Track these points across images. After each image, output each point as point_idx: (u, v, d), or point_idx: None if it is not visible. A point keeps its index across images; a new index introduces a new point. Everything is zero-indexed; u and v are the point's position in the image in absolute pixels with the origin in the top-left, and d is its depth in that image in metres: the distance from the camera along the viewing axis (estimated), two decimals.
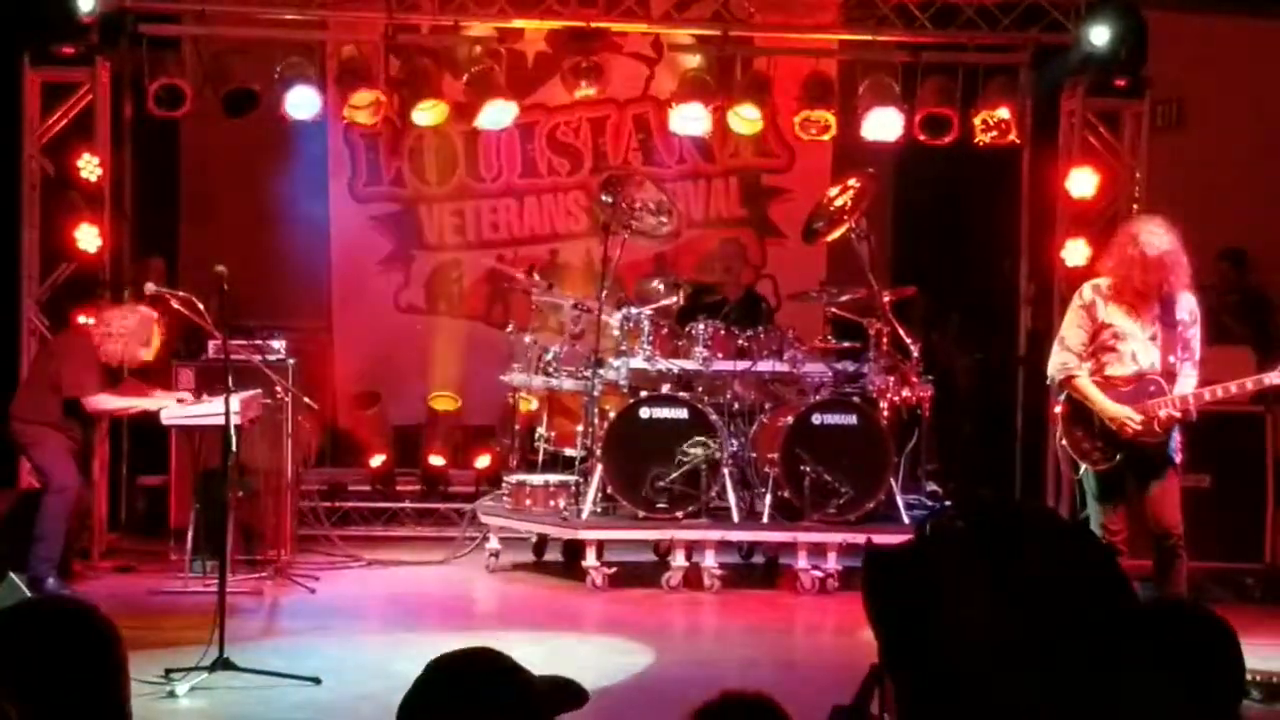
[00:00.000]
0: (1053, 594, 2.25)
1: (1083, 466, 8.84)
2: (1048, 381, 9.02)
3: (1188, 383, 8.56)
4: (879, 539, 2.44)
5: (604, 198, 11.68)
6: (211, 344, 10.52)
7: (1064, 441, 8.91)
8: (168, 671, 7.93)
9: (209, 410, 9.85)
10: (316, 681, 8.10)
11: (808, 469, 10.97)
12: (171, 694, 7.78)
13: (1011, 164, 12.95)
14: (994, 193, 13.23)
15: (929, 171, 13.39)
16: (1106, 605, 2.35)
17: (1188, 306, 8.62)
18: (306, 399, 11.44)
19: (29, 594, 8.36)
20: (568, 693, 3.03)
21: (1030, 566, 2.23)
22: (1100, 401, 8.55)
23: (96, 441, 11.34)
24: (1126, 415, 8.47)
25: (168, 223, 13.64)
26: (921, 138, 12.59)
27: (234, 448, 8.65)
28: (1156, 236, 8.49)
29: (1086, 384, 8.60)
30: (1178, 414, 8.50)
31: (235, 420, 9.12)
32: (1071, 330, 8.72)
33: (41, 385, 10.73)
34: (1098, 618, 2.28)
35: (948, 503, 11.27)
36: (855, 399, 11.38)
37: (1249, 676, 8.29)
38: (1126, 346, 8.58)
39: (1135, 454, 8.58)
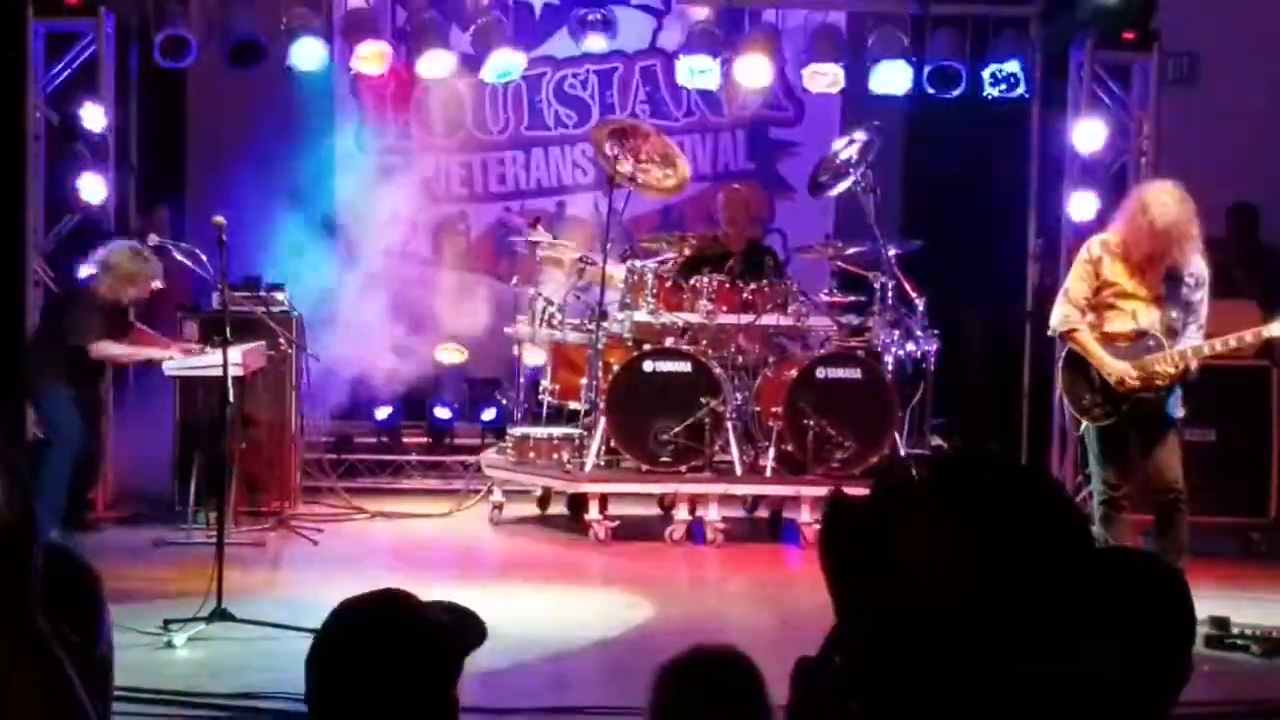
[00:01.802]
0: (1011, 544, 2.22)
1: (1084, 422, 8.82)
2: (1049, 333, 8.98)
3: (1190, 342, 8.52)
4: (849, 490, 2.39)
5: (608, 150, 11.64)
6: (214, 295, 10.51)
7: (1065, 396, 8.89)
8: (166, 622, 7.94)
9: (210, 361, 9.84)
10: (315, 633, 8.07)
11: (811, 422, 10.95)
12: (169, 644, 7.79)
13: (1021, 118, 12.87)
14: (1003, 147, 13.15)
15: (938, 125, 13.31)
16: (1066, 554, 2.32)
17: (1194, 269, 8.55)
18: (311, 351, 11.46)
19: None
20: (472, 627, 3.04)
21: (989, 516, 2.20)
22: (1099, 356, 8.51)
23: (104, 394, 11.36)
24: (1124, 371, 8.44)
25: (174, 174, 13.63)
26: (930, 91, 12.52)
27: (231, 399, 8.62)
28: (1167, 207, 8.37)
29: (1087, 338, 8.56)
30: (1173, 370, 8.45)
31: (236, 372, 9.12)
32: (1075, 284, 8.67)
33: (47, 338, 10.77)
34: (1056, 567, 2.26)
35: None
36: (860, 353, 11.35)
37: (1251, 631, 8.27)
38: (1128, 305, 8.53)
39: (1135, 410, 8.54)
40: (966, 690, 2.18)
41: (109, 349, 10.68)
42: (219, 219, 8.66)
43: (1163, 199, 8.39)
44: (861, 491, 2.18)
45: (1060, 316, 8.70)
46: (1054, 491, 2.30)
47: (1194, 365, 8.50)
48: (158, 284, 10.79)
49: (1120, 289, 8.52)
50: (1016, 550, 2.19)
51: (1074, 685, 2.34)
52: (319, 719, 3.07)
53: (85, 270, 10.86)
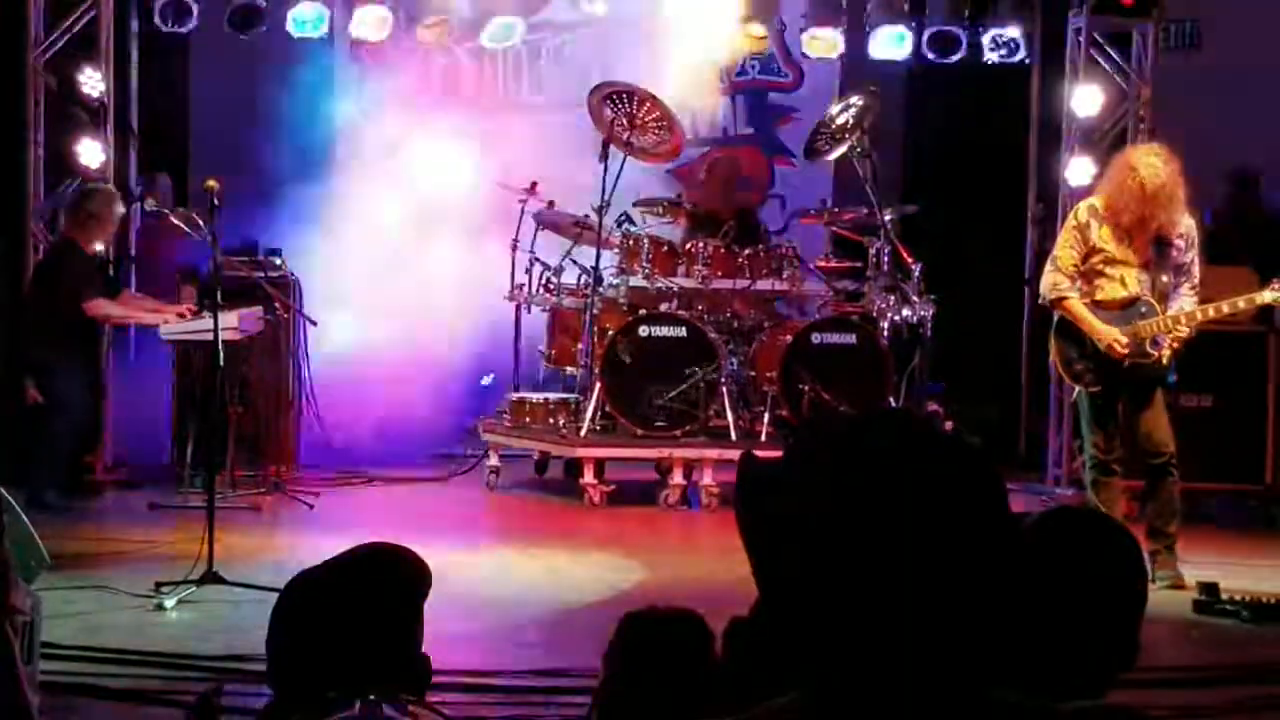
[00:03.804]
0: (931, 505, 2.23)
1: (1077, 388, 8.83)
2: (1040, 301, 8.98)
3: (1184, 304, 8.52)
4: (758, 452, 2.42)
5: (606, 112, 11.64)
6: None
7: (1057, 362, 8.90)
8: (157, 584, 7.98)
9: (205, 326, 9.85)
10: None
11: (806, 387, 10.97)
12: (159, 606, 7.81)
13: (1021, 83, 12.85)
14: (1003, 112, 13.13)
15: (938, 90, 13.29)
16: (989, 515, 2.33)
17: (1183, 230, 8.56)
18: (308, 315, 11.48)
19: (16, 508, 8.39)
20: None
21: (910, 479, 2.21)
22: (1090, 322, 8.52)
23: (102, 359, 11.40)
24: (1114, 337, 8.45)
25: (176, 140, 13.62)
26: (930, 56, 12.51)
27: (221, 363, 8.63)
28: (1155, 169, 8.40)
29: (1077, 305, 8.57)
30: (1165, 336, 8.46)
31: (231, 336, 9.12)
32: (1064, 250, 8.68)
33: (43, 302, 10.78)
34: (980, 528, 2.26)
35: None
36: (855, 318, 11.35)
37: (1241, 597, 8.26)
38: (1117, 271, 8.54)
39: (1126, 375, 8.56)
40: (888, 649, 2.20)
41: (105, 307, 10.72)
42: (211, 183, 8.67)
43: (1150, 160, 8.41)
44: (773, 454, 2.20)
45: (1049, 284, 8.70)
46: (968, 452, 2.31)
47: (1188, 328, 8.52)
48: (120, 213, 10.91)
49: (1109, 255, 8.52)
50: (931, 511, 2.19)
51: (1003, 639, 2.35)
52: (287, 676, 3.11)
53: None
